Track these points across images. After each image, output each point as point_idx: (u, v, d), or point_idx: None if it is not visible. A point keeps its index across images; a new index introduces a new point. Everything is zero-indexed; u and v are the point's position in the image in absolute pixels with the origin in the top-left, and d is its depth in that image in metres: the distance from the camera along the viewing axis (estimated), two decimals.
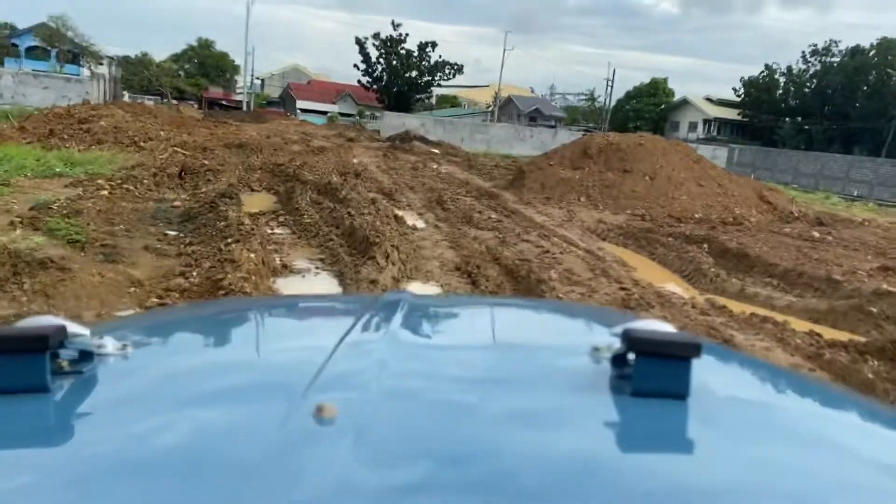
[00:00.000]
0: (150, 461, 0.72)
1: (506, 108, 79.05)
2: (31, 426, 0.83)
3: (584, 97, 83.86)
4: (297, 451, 0.69)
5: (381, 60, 60.07)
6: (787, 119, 60.85)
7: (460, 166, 25.99)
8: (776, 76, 62.61)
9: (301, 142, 26.56)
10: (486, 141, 45.56)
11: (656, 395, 0.87)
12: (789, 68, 62.02)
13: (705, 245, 11.34)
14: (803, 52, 61.66)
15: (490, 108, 69.57)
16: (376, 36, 59.36)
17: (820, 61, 60.44)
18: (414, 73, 60.52)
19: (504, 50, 68.93)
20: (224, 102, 66.75)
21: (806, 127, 58.62)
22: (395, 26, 59.73)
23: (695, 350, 0.85)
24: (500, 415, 0.85)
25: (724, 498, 0.71)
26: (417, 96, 63.07)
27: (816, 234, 12.82)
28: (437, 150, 35.42)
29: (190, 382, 1.00)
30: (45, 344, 0.84)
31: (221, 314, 1.66)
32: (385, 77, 60.32)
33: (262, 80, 79.77)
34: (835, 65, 58.96)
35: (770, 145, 55.98)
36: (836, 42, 61.01)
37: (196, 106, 60.93)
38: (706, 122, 66.06)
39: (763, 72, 62.97)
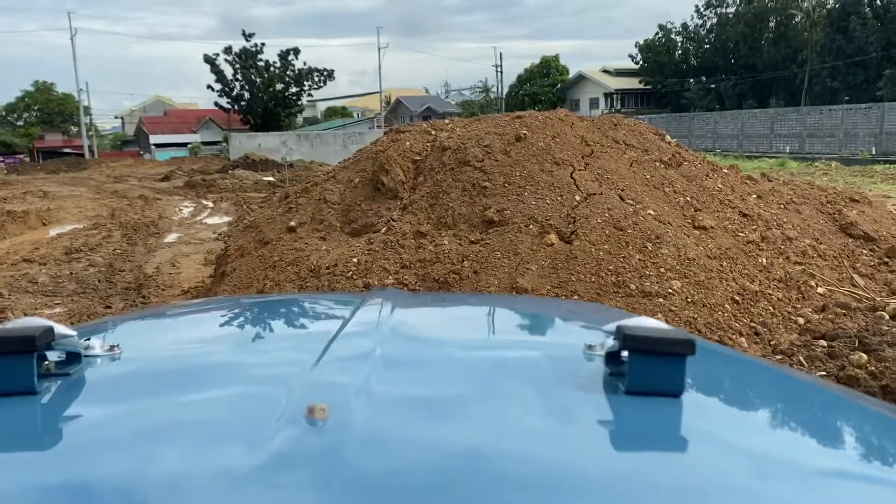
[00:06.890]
0: (135, 464, 0.66)
1: (397, 112, 69.84)
2: (16, 429, 0.76)
3: (478, 89, 73.83)
4: (288, 452, 0.64)
5: (238, 77, 47.91)
6: (691, 80, 51.24)
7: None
8: (672, 35, 52.88)
9: None
10: None
11: (650, 392, 0.81)
12: (684, 25, 52.77)
13: None
14: (696, 5, 52.14)
15: (375, 115, 57.98)
16: (228, 51, 47.34)
17: (715, 13, 51.14)
18: (279, 86, 48.56)
19: (378, 48, 57.43)
20: (68, 150, 52.91)
21: (713, 85, 49.55)
22: (248, 37, 47.75)
23: (689, 347, 0.79)
24: (492, 414, 0.80)
25: (719, 496, 0.65)
26: (288, 111, 50.91)
27: None
28: (270, 178, 24.02)
29: (177, 384, 0.92)
30: (33, 345, 0.77)
31: (210, 313, 1.53)
32: (247, 95, 48.06)
33: (123, 119, 65.95)
34: (731, 15, 49.65)
35: (679, 110, 47.02)
36: None
37: (28, 159, 47.49)
38: (607, 95, 56.01)
39: (658, 33, 53.34)
